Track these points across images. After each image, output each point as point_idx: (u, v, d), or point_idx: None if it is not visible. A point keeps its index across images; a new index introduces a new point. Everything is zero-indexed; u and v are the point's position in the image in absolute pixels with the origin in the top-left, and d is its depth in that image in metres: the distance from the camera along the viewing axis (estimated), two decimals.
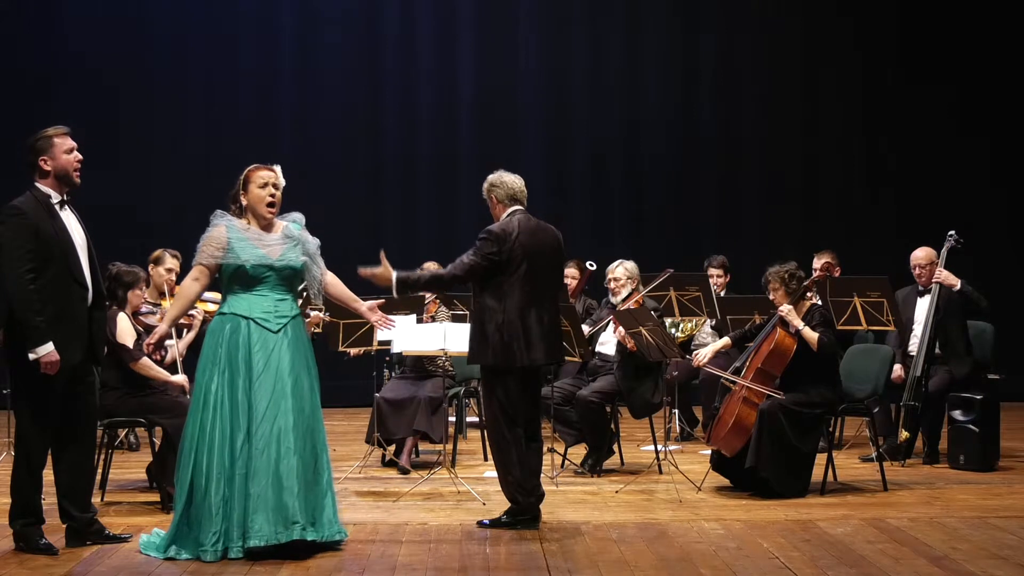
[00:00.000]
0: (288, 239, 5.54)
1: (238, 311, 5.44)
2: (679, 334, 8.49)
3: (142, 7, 11.78)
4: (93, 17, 11.65)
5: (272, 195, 5.52)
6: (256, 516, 5.24)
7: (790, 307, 6.89)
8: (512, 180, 6.07)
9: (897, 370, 7.81)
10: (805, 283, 7.02)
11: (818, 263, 8.67)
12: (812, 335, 6.78)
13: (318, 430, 5.49)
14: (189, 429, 5.41)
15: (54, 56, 11.54)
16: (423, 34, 11.96)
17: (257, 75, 11.85)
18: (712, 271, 9.21)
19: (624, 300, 7.79)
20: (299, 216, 5.66)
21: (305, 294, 5.91)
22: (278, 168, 5.61)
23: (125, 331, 6.49)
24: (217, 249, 5.44)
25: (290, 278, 5.52)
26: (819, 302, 7.54)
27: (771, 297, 7.05)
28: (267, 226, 5.54)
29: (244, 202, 5.52)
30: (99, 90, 11.49)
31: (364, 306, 5.75)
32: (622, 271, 7.90)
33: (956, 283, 7.89)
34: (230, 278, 5.47)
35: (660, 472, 7.47)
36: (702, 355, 7.19)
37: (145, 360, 6.47)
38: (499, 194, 6.07)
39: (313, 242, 5.61)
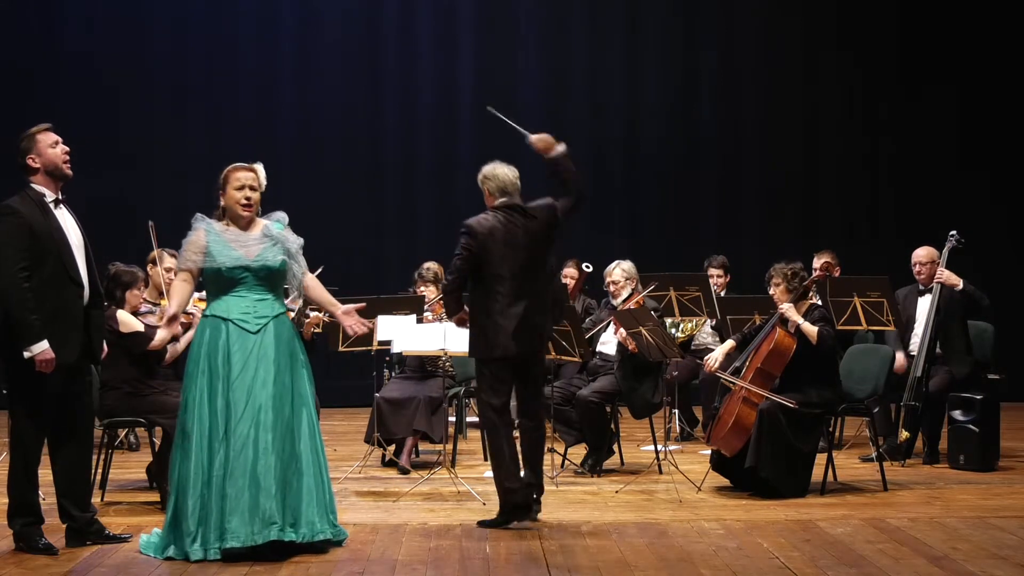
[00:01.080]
0: (267, 238, 5.52)
1: (217, 313, 5.44)
2: (679, 334, 8.49)
3: (142, 7, 11.78)
4: (93, 17, 11.65)
5: (248, 198, 5.49)
6: (232, 517, 5.22)
7: (790, 304, 6.89)
8: (504, 173, 6.12)
9: (900, 359, 7.80)
10: (805, 283, 7.02)
11: (818, 263, 8.67)
12: (811, 328, 6.78)
13: (301, 430, 5.42)
14: (176, 433, 5.45)
15: (54, 56, 11.54)
16: (423, 34, 11.96)
17: (257, 75, 11.85)
18: (712, 271, 9.20)
19: (625, 301, 7.78)
20: (282, 215, 5.64)
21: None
22: (259, 167, 5.60)
23: (129, 323, 6.48)
24: (196, 253, 5.45)
25: (268, 278, 5.49)
26: (819, 302, 7.54)
27: (771, 292, 7.05)
28: (247, 225, 5.52)
29: (223, 203, 5.53)
30: (99, 90, 11.49)
31: (340, 309, 5.71)
32: (619, 273, 7.89)
33: (958, 283, 7.88)
34: (210, 281, 5.48)
35: (660, 472, 7.47)
36: (712, 359, 7.13)
37: (158, 335, 6.48)
38: (491, 187, 6.13)
39: (295, 241, 5.58)
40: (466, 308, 6.12)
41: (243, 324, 5.40)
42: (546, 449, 7.57)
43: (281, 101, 11.88)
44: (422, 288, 8.24)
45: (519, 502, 6.00)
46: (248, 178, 5.52)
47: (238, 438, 5.28)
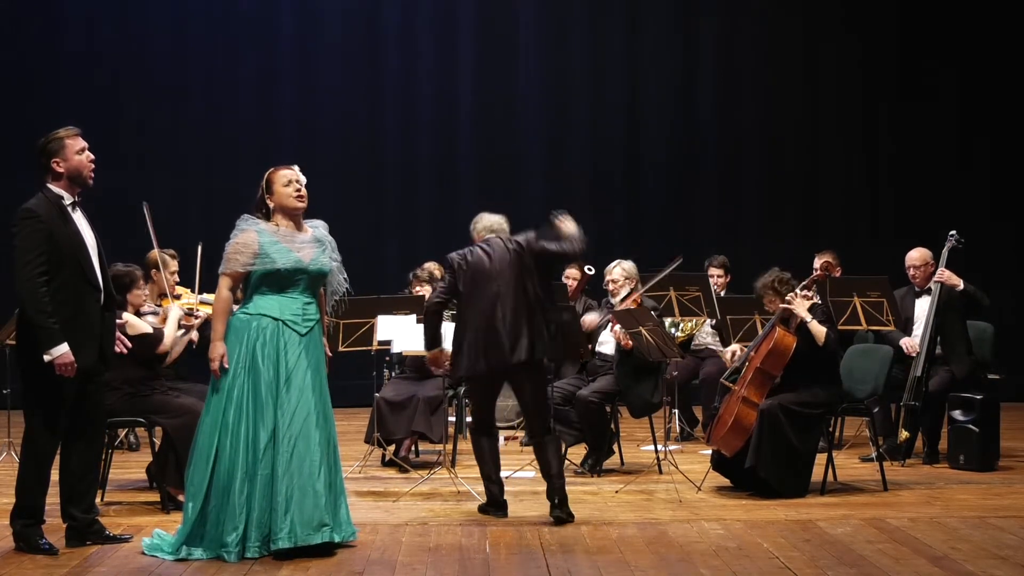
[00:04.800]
0: (318, 243, 5.56)
1: (268, 312, 5.41)
2: (679, 334, 8.49)
3: (142, 8, 11.79)
4: (93, 17, 11.66)
5: (298, 189, 5.52)
6: (286, 517, 5.24)
7: (800, 300, 6.86)
8: (488, 218, 6.41)
9: (906, 341, 7.85)
10: (805, 283, 7.02)
11: (818, 263, 8.64)
12: (820, 329, 6.77)
13: (333, 432, 5.52)
14: (207, 427, 5.38)
15: (54, 56, 11.54)
16: (423, 34, 11.96)
17: (257, 75, 11.85)
18: (713, 271, 9.21)
19: (623, 300, 7.79)
20: (322, 223, 5.68)
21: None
22: (296, 168, 5.61)
23: (137, 326, 6.46)
24: (249, 257, 5.40)
25: (318, 282, 5.55)
26: (818, 301, 7.53)
27: (769, 309, 7.07)
28: (297, 226, 5.54)
29: (271, 204, 5.50)
30: (99, 90, 11.49)
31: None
32: (619, 272, 7.92)
33: (959, 283, 7.87)
34: (260, 279, 5.44)
35: (660, 472, 7.47)
36: (729, 352, 7.53)
37: (167, 339, 6.51)
38: (479, 228, 6.40)
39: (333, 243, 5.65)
40: (443, 349, 6.34)
41: (294, 326, 5.42)
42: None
43: (281, 101, 11.89)
44: (418, 288, 8.25)
45: (491, 500, 6.29)
46: (291, 174, 5.55)
47: (288, 439, 5.30)
